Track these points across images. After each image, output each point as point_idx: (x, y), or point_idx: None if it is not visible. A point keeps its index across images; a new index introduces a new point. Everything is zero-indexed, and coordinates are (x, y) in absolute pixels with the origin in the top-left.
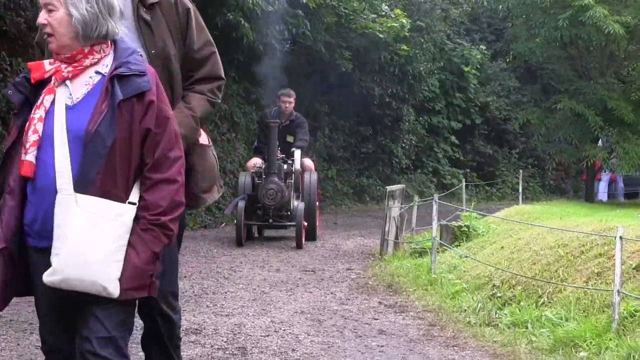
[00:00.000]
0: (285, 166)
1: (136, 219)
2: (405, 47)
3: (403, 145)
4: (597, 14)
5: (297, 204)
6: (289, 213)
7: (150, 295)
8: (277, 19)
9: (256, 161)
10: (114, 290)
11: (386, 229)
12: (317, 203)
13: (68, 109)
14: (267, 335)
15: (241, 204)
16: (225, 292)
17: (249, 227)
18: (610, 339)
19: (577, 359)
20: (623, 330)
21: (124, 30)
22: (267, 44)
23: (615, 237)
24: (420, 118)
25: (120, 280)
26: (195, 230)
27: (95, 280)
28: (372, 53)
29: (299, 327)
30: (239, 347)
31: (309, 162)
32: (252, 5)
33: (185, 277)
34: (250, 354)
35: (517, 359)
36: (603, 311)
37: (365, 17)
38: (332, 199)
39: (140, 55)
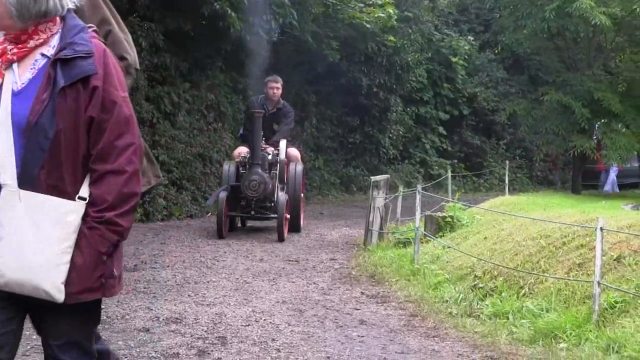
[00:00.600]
0: (269, 157)
1: (84, 215)
2: (392, 38)
3: (390, 135)
4: (584, 5)
5: (280, 196)
6: (272, 204)
7: (105, 296)
8: (264, 8)
9: (241, 150)
10: (58, 295)
11: (370, 219)
12: (302, 194)
13: (13, 95)
14: (248, 325)
15: (222, 195)
16: (208, 282)
17: (232, 218)
18: (590, 330)
19: (557, 350)
20: (603, 321)
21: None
22: (254, 34)
23: (596, 228)
24: (408, 109)
25: (67, 283)
26: (181, 220)
27: (37, 286)
28: (360, 43)
29: (280, 317)
30: (218, 337)
31: (294, 152)
32: None
33: (168, 266)
34: (230, 343)
35: (497, 350)
36: (584, 302)
37: (352, 6)
38: (319, 189)
39: (93, 30)
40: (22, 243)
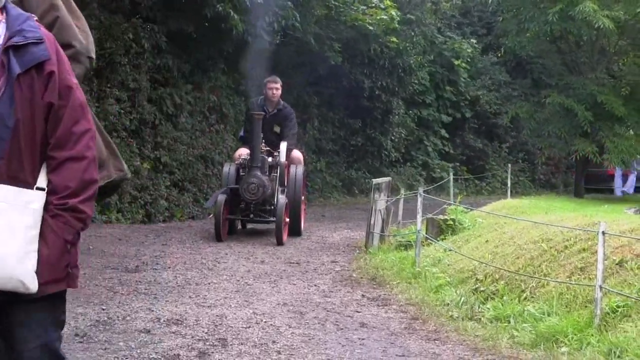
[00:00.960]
0: (270, 159)
1: (45, 204)
2: (394, 40)
3: (392, 138)
4: (587, 9)
5: (279, 199)
6: (272, 208)
7: (70, 287)
8: (267, 10)
9: (242, 152)
10: (32, 285)
11: (372, 221)
12: (303, 197)
13: None
14: (248, 327)
15: (221, 198)
16: (209, 284)
17: (231, 221)
18: (592, 335)
19: (559, 354)
20: (605, 325)
21: None
22: (257, 36)
23: (598, 232)
24: (410, 111)
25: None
26: (183, 221)
27: (11, 276)
28: (362, 45)
29: (281, 319)
30: (219, 338)
31: (297, 154)
32: None
33: (169, 267)
34: (231, 345)
35: (498, 354)
36: (585, 306)
37: (355, 8)
38: (321, 192)
39: (36, 19)
40: None
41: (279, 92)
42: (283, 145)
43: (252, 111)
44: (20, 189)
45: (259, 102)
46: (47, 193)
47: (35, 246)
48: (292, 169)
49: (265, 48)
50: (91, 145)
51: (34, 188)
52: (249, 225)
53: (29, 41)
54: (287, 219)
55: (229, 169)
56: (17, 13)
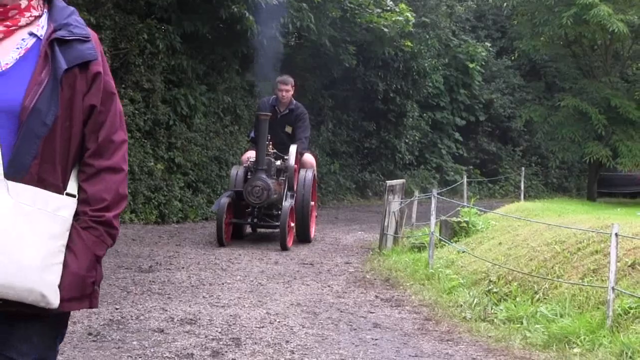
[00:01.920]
0: (278, 162)
1: (75, 215)
2: (409, 43)
3: (406, 140)
4: (601, 13)
5: (284, 203)
6: (279, 213)
7: (92, 307)
8: (282, 12)
9: (251, 154)
10: (54, 299)
11: (385, 223)
12: (313, 202)
13: None
14: (262, 327)
15: (224, 201)
16: (222, 284)
17: (238, 225)
18: (604, 336)
19: (571, 355)
20: (617, 327)
21: None
22: (271, 37)
23: (611, 234)
24: (424, 114)
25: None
26: (196, 222)
27: (32, 288)
28: (377, 48)
29: (294, 319)
30: (233, 338)
31: (309, 158)
32: None
33: (183, 268)
34: (244, 344)
35: (511, 355)
36: (598, 308)
37: (370, 11)
38: (335, 194)
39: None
40: (12, 240)
41: (290, 93)
42: (292, 148)
43: (261, 111)
44: (51, 193)
45: (270, 102)
46: (79, 203)
47: (61, 258)
48: (302, 172)
49: (280, 50)
50: (126, 158)
51: (64, 194)
52: (260, 230)
53: (76, 37)
54: (292, 224)
55: (237, 172)
56: (62, 5)
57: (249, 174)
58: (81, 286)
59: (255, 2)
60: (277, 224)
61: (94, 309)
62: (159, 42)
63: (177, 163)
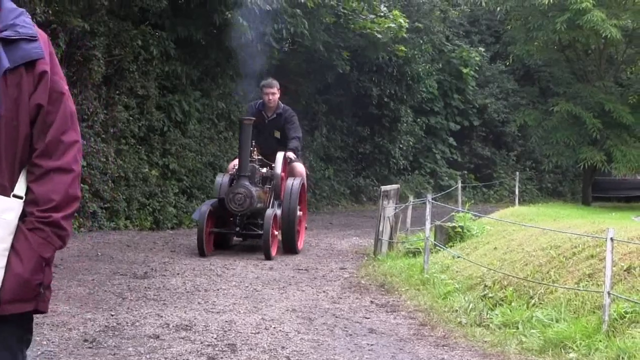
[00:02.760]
0: (264, 170)
1: (22, 216)
2: (403, 48)
3: (401, 146)
4: (595, 18)
5: (267, 211)
6: (263, 222)
7: (38, 310)
8: (275, 18)
9: (236, 162)
10: None
11: (380, 228)
12: (300, 212)
13: None
14: (257, 333)
15: (205, 209)
16: (218, 290)
17: (224, 235)
18: (600, 340)
19: None
20: (613, 331)
21: None
22: (265, 43)
23: (606, 238)
24: (418, 119)
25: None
26: (191, 228)
27: None
28: (371, 53)
29: (290, 325)
30: (228, 344)
31: (299, 167)
32: (250, 3)
33: (178, 274)
34: (240, 350)
35: (507, 359)
36: (593, 312)
37: (363, 17)
38: (329, 199)
39: (29, 17)
40: None
41: (276, 96)
42: (280, 156)
43: (249, 115)
44: None
45: (257, 106)
46: (26, 204)
47: (4, 262)
48: (289, 181)
49: (274, 55)
50: (78, 159)
51: (11, 195)
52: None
53: (21, 37)
54: (277, 232)
55: (221, 179)
56: (11, 7)
57: (235, 182)
58: (25, 288)
59: (249, 8)
60: (261, 232)
61: (89, 316)
62: (153, 48)
63: (171, 169)
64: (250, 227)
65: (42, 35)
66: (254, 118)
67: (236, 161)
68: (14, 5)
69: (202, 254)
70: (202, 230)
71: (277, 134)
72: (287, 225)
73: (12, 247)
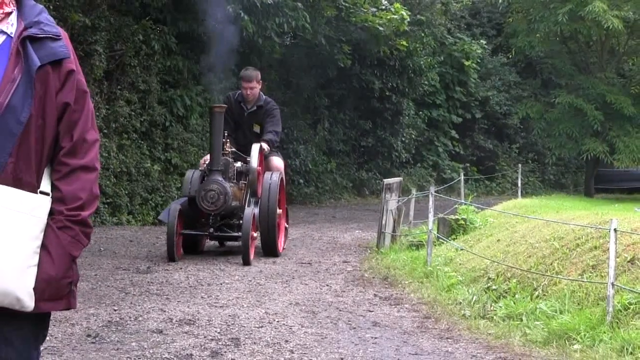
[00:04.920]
0: (238, 164)
1: (50, 214)
2: (404, 42)
3: (403, 139)
4: (596, 9)
5: (246, 211)
6: (240, 222)
7: (69, 307)
8: (277, 11)
9: (209, 157)
10: (29, 302)
11: (383, 221)
12: (280, 211)
13: None
14: (261, 327)
15: (174, 208)
16: (221, 284)
17: (192, 237)
18: (604, 332)
19: (571, 352)
20: (617, 322)
21: None
22: (267, 37)
23: (610, 229)
24: (420, 112)
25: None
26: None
27: (7, 291)
28: (372, 46)
29: (293, 319)
30: (232, 338)
31: (277, 161)
32: None
33: (181, 268)
34: (244, 344)
35: (511, 351)
36: (597, 304)
37: (365, 10)
38: (331, 193)
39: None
40: None
41: (255, 91)
42: (255, 148)
43: (229, 107)
44: (26, 193)
45: (236, 97)
46: (54, 202)
47: (36, 260)
48: (267, 176)
49: (276, 49)
50: (98, 157)
51: (38, 192)
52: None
53: (47, 35)
54: (255, 234)
55: (192, 175)
56: (32, 3)
57: (206, 178)
58: (57, 288)
59: (251, 2)
60: (237, 234)
61: (92, 311)
62: (155, 43)
63: (173, 164)
64: (224, 229)
65: (63, 33)
66: (225, 105)
67: (208, 156)
68: (33, 2)
69: (171, 258)
70: (172, 232)
71: (257, 128)
72: (267, 225)
73: (43, 245)
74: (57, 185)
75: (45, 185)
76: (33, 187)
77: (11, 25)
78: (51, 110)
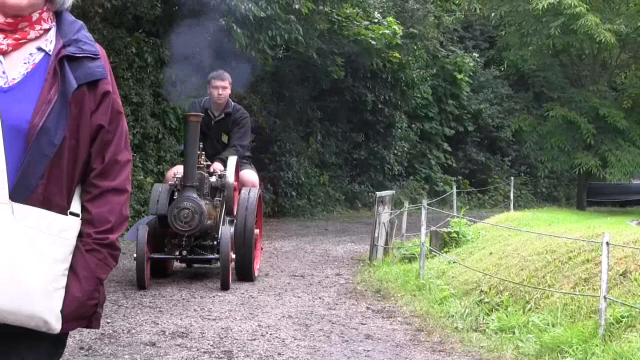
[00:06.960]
0: (213, 178)
1: (78, 236)
2: (397, 54)
3: (395, 151)
4: (589, 23)
5: (223, 230)
6: (215, 242)
7: (92, 327)
8: (269, 24)
9: (179, 169)
10: (56, 325)
11: (376, 234)
12: (257, 231)
13: (1, 92)
14: (254, 339)
15: (142, 230)
16: (213, 297)
17: (161, 261)
18: (597, 345)
19: None
20: (609, 336)
21: None
22: (259, 50)
23: (602, 242)
24: (413, 125)
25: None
26: None
27: (34, 314)
28: (365, 59)
29: (286, 332)
30: (225, 351)
31: (251, 175)
32: (244, 10)
33: (174, 281)
34: (236, 357)
35: None
36: (590, 317)
37: (358, 23)
38: (324, 205)
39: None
40: (16, 264)
41: (227, 91)
42: (232, 160)
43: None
44: (55, 214)
45: (202, 104)
46: (83, 224)
47: (64, 282)
48: (244, 192)
49: (268, 61)
50: (130, 179)
51: (68, 213)
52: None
53: (85, 54)
54: (234, 256)
55: (159, 191)
56: (71, 19)
57: (176, 193)
58: (82, 309)
59: (243, 15)
60: (213, 257)
61: None
62: (148, 55)
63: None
64: (198, 251)
65: (102, 52)
66: (202, 114)
67: (176, 168)
68: (73, 17)
69: (141, 285)
70: (142, 256)
71: (226, 139)
72: (242, 246)
73: (71, 267)
74: (86, 206)
75: (76, 206)
76: (63, 209)
77: (50, 43)
78: (85, 132)
